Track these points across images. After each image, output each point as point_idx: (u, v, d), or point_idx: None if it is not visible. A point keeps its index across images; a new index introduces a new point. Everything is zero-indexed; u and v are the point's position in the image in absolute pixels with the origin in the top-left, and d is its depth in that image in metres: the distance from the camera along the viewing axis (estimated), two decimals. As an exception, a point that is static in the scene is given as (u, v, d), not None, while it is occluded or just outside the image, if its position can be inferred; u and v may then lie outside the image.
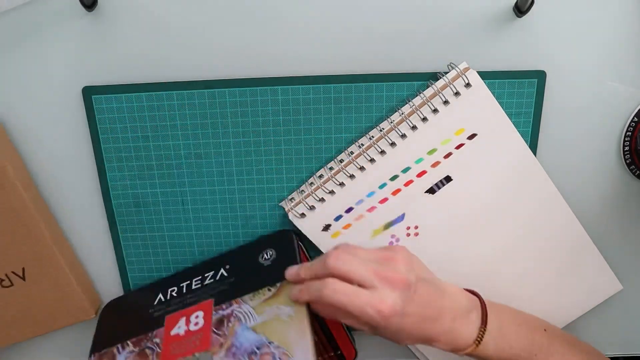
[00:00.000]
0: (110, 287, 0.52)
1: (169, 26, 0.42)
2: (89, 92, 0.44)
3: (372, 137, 0.44)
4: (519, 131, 0.45)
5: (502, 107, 0.44)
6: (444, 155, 0.44)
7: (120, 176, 0.47)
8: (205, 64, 0.43)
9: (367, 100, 0.44)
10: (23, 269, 0.46)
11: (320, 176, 0.46)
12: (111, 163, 0.46)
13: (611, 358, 0.56)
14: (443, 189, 0.45)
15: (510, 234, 0.47)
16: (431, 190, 0.45)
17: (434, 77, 0.43)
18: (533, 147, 0.46)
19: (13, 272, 0.46)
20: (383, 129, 0.44)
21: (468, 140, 0.44)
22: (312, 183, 0.46)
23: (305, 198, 0.45)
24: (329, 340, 0.49)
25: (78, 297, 0.48)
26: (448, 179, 0.45)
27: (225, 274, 0.46)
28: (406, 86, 0.44)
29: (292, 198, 0.47)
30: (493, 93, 0.43)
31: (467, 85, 0.42)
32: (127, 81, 0.44)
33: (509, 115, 0.44)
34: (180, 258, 0.50)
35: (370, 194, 0.45)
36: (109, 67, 0.44)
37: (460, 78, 0.42)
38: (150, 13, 0.42)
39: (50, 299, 0.48)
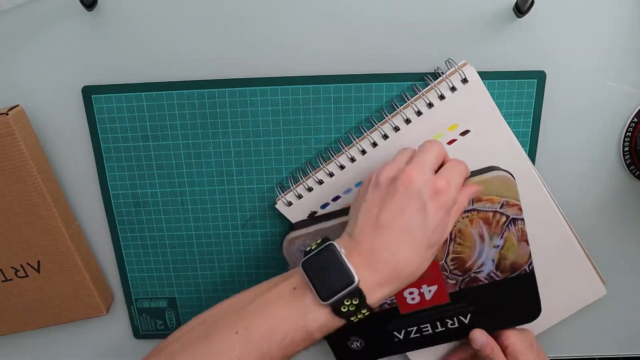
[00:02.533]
0: (110, 286, 0.52)
1: (168, 26, 0.42)
2: (88, 92, 0.44)
3: (366, 129, 0.44)
4: (519, 131, 0.45)
5: (502, 107, 0.44)
6: None
7: (120, 176, 0.47)
8: (205, 64, 0.43)
9: (367, 100, 0.44)
10: (38, 262, 0.46)
11: (312, 166, 0.46)
12: (111, 163, 0.46)
13: (609, 358, 0.56)
14: None
15: None
16: None
17: (434, 76, 0.43)
18: (533, 147, 0.46)
19: (28, 264, 0.46)
20: (377, 121, 0.44)
21: (461, 137, 0.44)
22: (304, 171, 0.46)
23: (296, 187, 0.45)
24: None
25: (91, 294, 0.49)
26: None
27: None
28: (406, 86, 0.44)
29: (282, 186, 0.47)
30: (493, 93, 0.43)
31: (464, 80, 0.42)
32: (127, 81, 0.44)
33: (509, 115, 0.44)
34: (180, 258, 0.50)
35: (359, 184, 0.45)
36: (109, 67, 0.44)
37: (458, 73, 0.42)
38: (150, 13, 0.42)
39: (63, 293, 0.48)
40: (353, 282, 0.33)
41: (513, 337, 0.46)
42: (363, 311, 0.35)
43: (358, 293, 0.34)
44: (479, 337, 0.46)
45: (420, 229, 0.35)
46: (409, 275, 0.35)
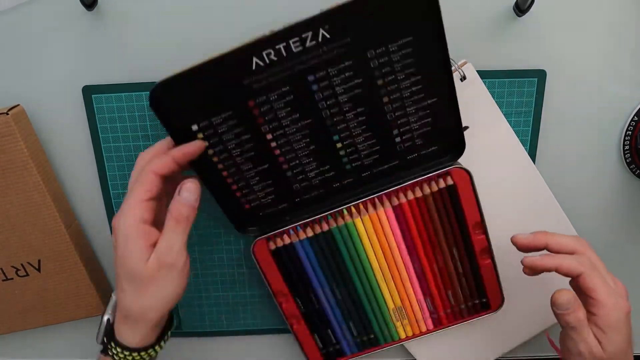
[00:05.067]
0: (110, 286, 0.52)
1: (169, 25, 0.42)
2: (89, 92, 0.44)
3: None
4: (519, 130, 0.45)
5: (503, 106, 0.44)
6: None
7: (120, 175, 0.47)
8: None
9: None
10: (39, 261, 0.47)
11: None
12: (111, 162, 0.46)
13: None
14: None
15: (499, 231, 0.46)
16: None
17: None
18: (533, 146, 0.46)
19: (29, 263, 0.47)
20: None
21: None
22: None
23: None
24: (477, 287, 0.48)
25: (91, 293, 0.49)
26: None
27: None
28: (406, 85, 0.44)
29: None
30: (493, 92, 0.43)
31: (463, 78, 0.42)
32: (127, 80, 0.44)
33: (510, 114, 0.44)
34: (181, 257, 0.50)
35: None
36: (109, 66, 0.44)
37: (457, 72, 0.42)
38: (150, 12, 0.42)
39: (63, 292, 0.49)
40: None
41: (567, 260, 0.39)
42: None
43: None
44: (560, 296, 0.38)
45: None
46: None
